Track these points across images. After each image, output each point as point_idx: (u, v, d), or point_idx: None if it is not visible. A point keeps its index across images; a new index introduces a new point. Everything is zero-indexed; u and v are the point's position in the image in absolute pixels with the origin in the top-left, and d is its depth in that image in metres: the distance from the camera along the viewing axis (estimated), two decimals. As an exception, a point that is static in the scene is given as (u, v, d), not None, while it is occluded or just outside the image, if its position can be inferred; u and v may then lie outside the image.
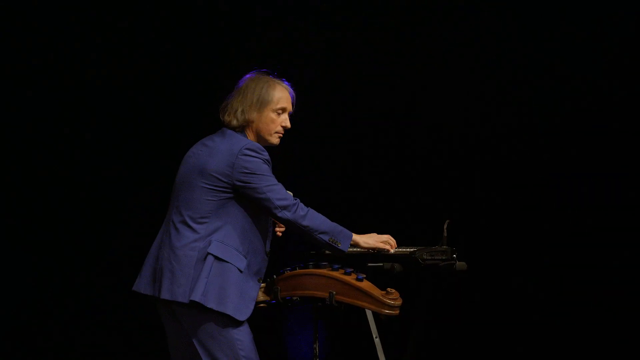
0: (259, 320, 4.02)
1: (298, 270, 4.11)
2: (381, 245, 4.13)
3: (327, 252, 4.22)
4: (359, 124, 6.45)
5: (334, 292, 4.00)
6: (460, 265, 4.16)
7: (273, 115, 4.06)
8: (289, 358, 6.36)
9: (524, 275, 6.25)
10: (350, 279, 3.98)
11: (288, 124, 4.10)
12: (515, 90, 6.29)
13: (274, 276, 4.16)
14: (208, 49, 6.31)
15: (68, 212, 6.19)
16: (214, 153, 3.95)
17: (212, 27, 6.30)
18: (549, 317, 6.24)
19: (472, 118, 6.35)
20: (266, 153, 3.98)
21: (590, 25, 6.14)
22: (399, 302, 3.96)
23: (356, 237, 4.09)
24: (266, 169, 3.95)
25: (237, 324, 3.89)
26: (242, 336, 3.89)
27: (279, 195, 3.94)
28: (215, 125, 4.13)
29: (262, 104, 4.04)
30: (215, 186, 3.91)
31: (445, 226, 4.17)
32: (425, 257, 4.08)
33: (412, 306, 4.30)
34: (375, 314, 4.03)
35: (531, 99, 6.28)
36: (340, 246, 4.01)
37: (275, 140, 4.09)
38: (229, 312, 3.85)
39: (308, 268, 4.10)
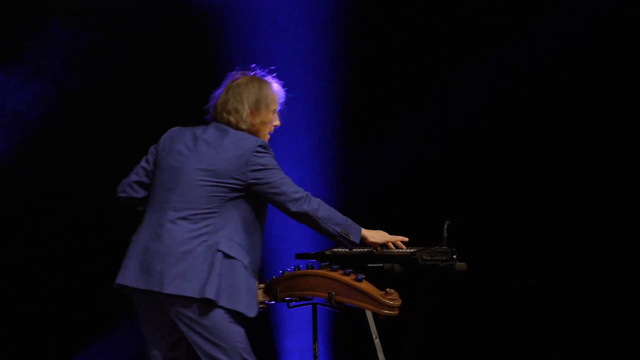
0: (258, 320, 4.01)
1: (297, 271, 4.11)
2: (389, 244, 4.14)
3: (329, 252, 4.23)
4: (359, 123, 6.45)
5: (334, 293, 3.99)
6: (460, 265, 4.16)
7: (271, 116, 4.10)
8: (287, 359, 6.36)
9: (524, 275, 6.25)
10: (350, 279, 3.97)
11: (279, 123, 4.15)
12: (515, 90, 6.29)
13: (273, 277, 4.16)
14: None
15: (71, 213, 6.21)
16: (221, 151, 3.94)
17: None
18: (548, 318, 6.24)
19: (471, 119, 6.35)
20: (271, 150, 4.01)
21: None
22: (398, 303, 3.95)
23: (364, 232, 4.10)
24: (276, 163, 3.98)
25: (233, 318, 3.88)
26: (239, 328, 3.89)
27: (293, 188, 3.95)
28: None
29: (262, 106, 4.07)
30: (225, 184, 3.90)
31: (445, 227, 4.17)
32: (425, 257, 4.08)
33: (412, 307, 4.30)
34: (374, 314, 4.03)
35: (530, 99, 6.28)
36: (352, 238, 4.02)
37: (267, 138, 4.12)
38: (242, 309, 3.84)
39: (307, 269, 4.10)
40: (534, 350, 6.25)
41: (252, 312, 3.88)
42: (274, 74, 4.16)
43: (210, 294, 3.80)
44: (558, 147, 6.26)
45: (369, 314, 4.14)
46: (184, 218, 3.89)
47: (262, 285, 4.17)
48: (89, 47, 6.19)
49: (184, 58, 6.31)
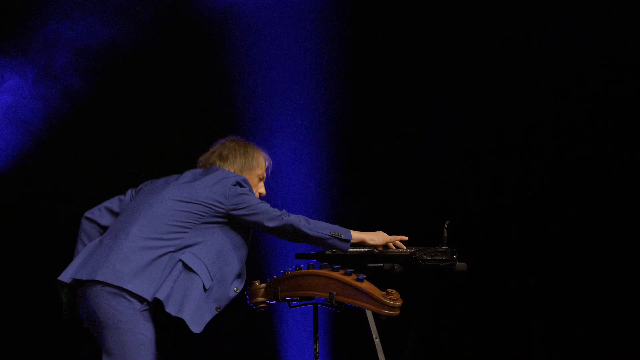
0: (258, 320, 4.01)
1: (298, 271, 4.11)
2: (389, 245, 4.15)
3: (329, 251, 4.23)
4: (359, 124, 6.45)
5: (334, 293, 3.99)
6: (460, 265, 4.16)
7: (255, 180, 4.17)
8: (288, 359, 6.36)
9: (524, 275, 6.25)
10: (351, 279, 3.97)
11: (264, 192, 4.21)
12: (515, 90, 6.29)
13: (274, 276, 4.16)
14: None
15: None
16: (203, 181, 3.98)
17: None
18: (548, 318, 6.24)
19: (471, 119, 6.35)
20: (251, 186, 4.06)
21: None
22: (399, 303, 3.95)
23: (361, 235, 4.10)
24: (254, 194, 4.03)
25: (155, 343, 3.85)
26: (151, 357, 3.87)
27: (271, 208, 4.01)
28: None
29: (247, 167, 4.14)
30: (202, 203, 3.93)
31: (445, 227, 4.17)
32: (425, 257, 4.08)
33: (413, 307, 4.30)
34: (375, 314, 4.03)
35: (530, 99, 6.28)
36: (343, 236, 4.03)
37: None
38: (186, 317, 3.81)
39: (308, 268, 4.10)
40: (534, 350, 6.25)
41: (195, 327, 3.85)
42: (262, 144, 4.21)
43: (161, 295, 3.80)
44: (558, 147, 6.26)
45: (369, 314, 4.14)
46: (153, 228, 3.90)
47: (262, 285, 4.18)
48: (88, 48, 6.19)
49: (184, 59, 6.31)
